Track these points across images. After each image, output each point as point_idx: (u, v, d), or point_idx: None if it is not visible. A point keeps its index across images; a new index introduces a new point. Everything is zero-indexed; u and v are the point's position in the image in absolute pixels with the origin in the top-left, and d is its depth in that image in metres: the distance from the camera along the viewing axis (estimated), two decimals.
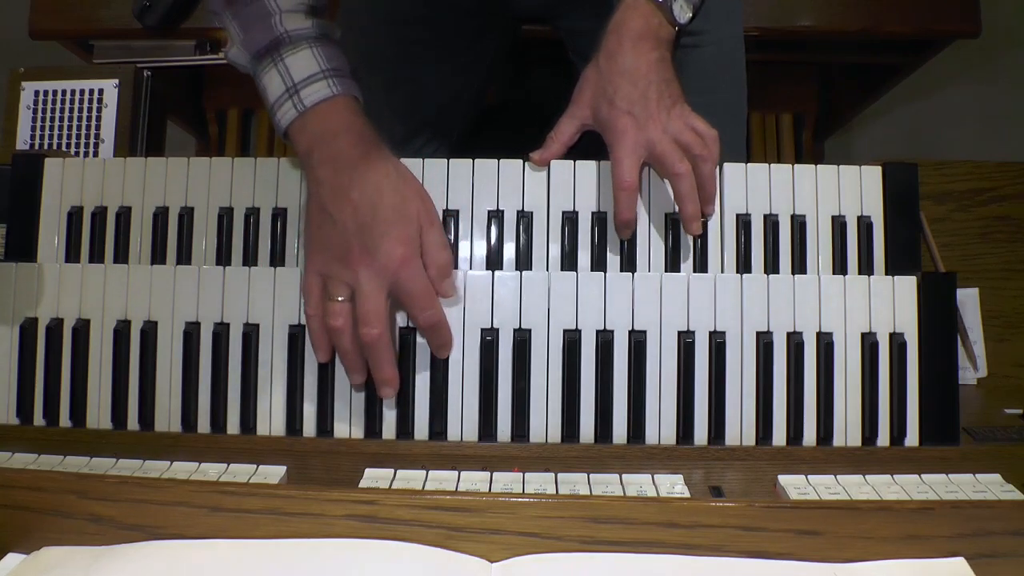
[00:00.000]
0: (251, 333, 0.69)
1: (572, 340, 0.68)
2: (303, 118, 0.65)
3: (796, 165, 0.73)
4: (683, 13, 0.72)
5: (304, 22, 0.67)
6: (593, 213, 0.73)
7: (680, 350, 0.68)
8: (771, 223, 0.72)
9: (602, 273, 0.69)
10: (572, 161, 0.74)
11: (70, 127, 1.08)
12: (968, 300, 0.85)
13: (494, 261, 0.72)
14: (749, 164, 0.73)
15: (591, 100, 0.72)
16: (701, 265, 0.72)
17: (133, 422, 0.69)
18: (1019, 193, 0.87)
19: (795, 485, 0.60)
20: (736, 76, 0.92)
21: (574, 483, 0.60)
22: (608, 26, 0.72)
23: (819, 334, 0.68)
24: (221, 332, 0.69)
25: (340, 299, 0.63)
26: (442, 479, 0.61)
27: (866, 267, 0.72)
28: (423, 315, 0.65)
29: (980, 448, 0.67)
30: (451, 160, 0.73)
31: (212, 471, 0.62)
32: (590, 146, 0.74)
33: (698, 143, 0.70)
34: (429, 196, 0.68)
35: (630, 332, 0.68)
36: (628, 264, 0.72)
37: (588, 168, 0.73)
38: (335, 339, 0.64)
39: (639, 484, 0.60)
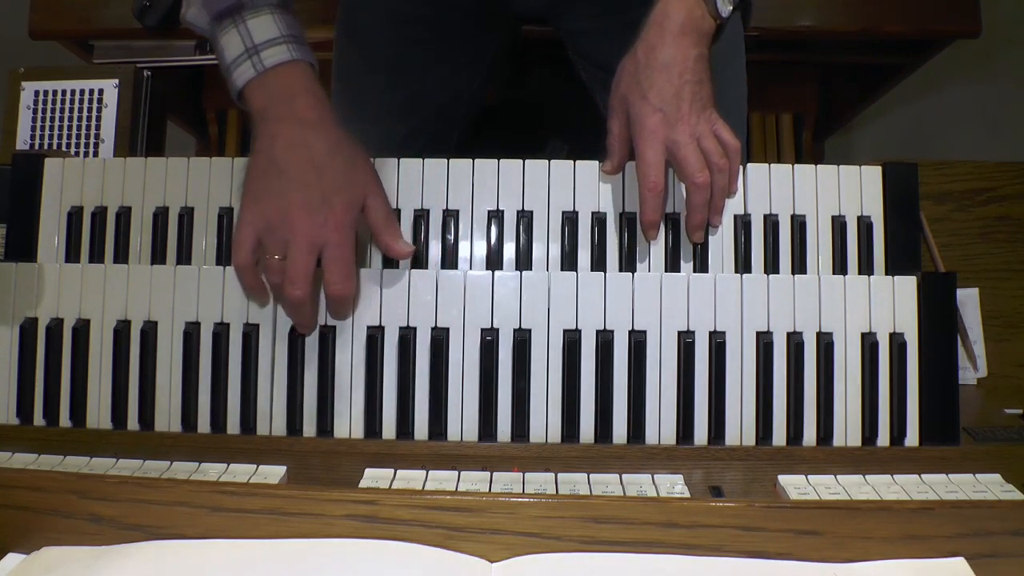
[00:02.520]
0: (251, 333, 0.69)
1: (572, 340, 0.68)
2: (261, 78, 0.67)
3: (796, 165, 0.74)
4: (724, 6, 0.71)
5: None
6: (593, 213, 0.73)
7: (680, 350, 0.68)
8: (771, 223, 0.72)
9: (602, 273, 0.69)
10: (572, 161, 0.73)
11: (70, 127, 1.08)
12: (968, 300, 0.85)
13: (494, 261, 0.72)
14: (749, 164, 0.73)
15: (625, 91, 0.72)
16: (701, 265, 0.72)
17: (133, 422, 0.69)
18: (1019, 193, 0.87)
19: (795, 485, 0.60)
20: (737, 76, 0.92)
21: (574, 483, 0.60)
22: (650, 16, 0.72)
23: (819, 334, 0.68)
24: (221, 332, 0.69)
25: (277, 257, 0.64)
26: (442, 479, 0.61)
27: (866, 267, 0.72)
28: (333, 286, 0.65)
29: (980, 448, 0.67)
30: (451, 160, 0.73)
31: (212, 471, 0.62)
32: (590, 146, 0.74)
33: (718, 152, 0.70)
34: (375, 171, 0.69)
35: (630, 332, 0.68)
36: (628, 264, 0.72)
37: (588, 168, 0.73)
38: (274, 292, 0.67)
39: (639, 484, 0.60)
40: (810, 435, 0.68)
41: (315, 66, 0.70)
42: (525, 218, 0.72)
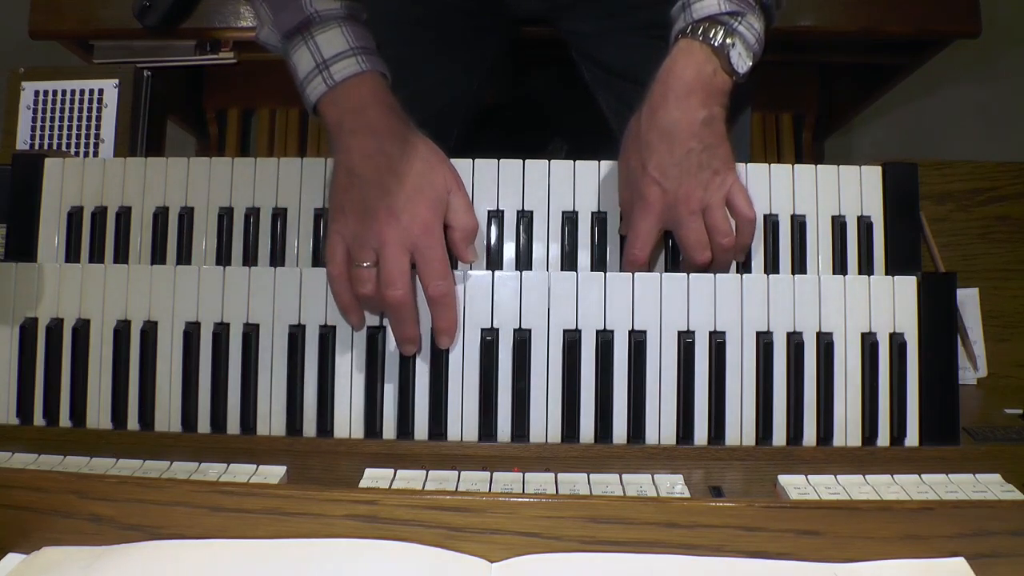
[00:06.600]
0: (251, 333, 0.69)
1: (572, 340, 0.68)
2: (333, 92, 0.67)
3: (796, 165, 0.73)
4: (742, 62, 0.66)
5: (333, 3, 0.68)
6: (593, 213, 0.73)
7: (680, 350, 0.68)
8: (771, 223, 0.72)
9: (602, 273, 0.69)
10: (572, 161, 0.73)
11: (70, 127, 1.08)
12: (968, 300, 0.85)
13: (494, 261, 0.72)
14: (749, 164, 0.73)
15: (629, 158, 0.69)
16: None
17: (133, 422, 0.69)
18: (1019, 193, 0.87)
19: (795, 485, 0.60)
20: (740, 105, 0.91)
21: (574, 483, 0.60)
22: (658, 72, 0.68)
23: (819, 334, 0.68)
24: (221, 332, 0.69)
25: (366, 265, 0.64)
26: (442, 479, 0.61)
27: (866, 267, 0.72)
28: (433, 284, 0.65)
29: (980, 448, 0.67)
30: (451, 160, 0.73)
31: (212, 471, 0.62)
32: (590, 146, 0.74)
33: (724, 231, 0.67)
34: (454, 167, 0.69)
35: (630, 332, 0.68)
36: None
37: (588, 168, 0.73)
38: (364, 304, 0.66)
39: (639, 484, 0.60)
40: (810, 435, 0.68)
41: (387, 75, 0.70)
42: (525, 218, 0.72)
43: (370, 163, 0.65)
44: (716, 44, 0.66)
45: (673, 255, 0.72)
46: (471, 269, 0.71)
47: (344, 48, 0.67)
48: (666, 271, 0.72)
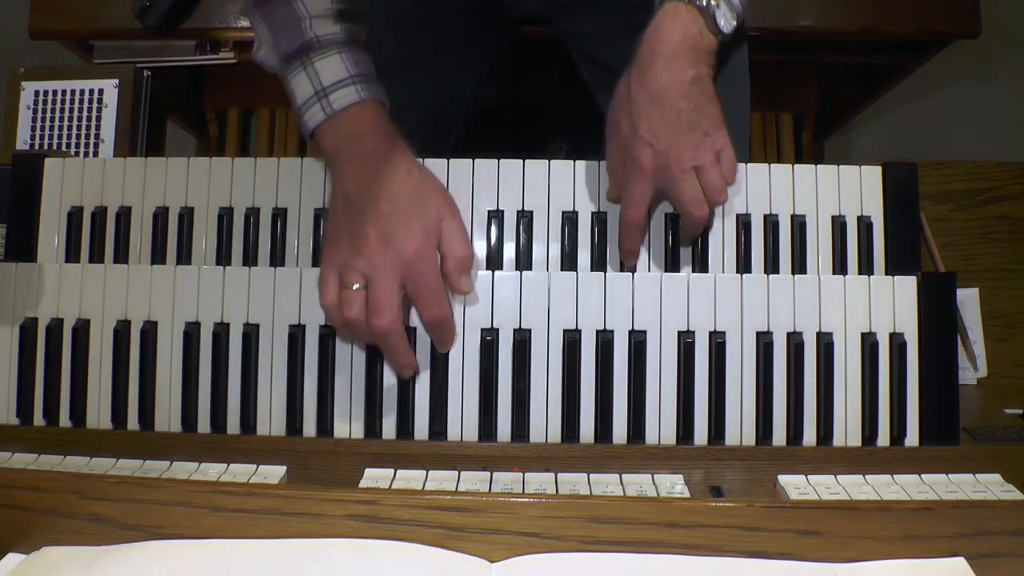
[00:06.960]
0: (251, 333, 0.69)
1: (572, 340, 0.68)
2: (331, 121, 0.66)
3: (796, 165, 0.73)
4: (726, 22, 0.67)
5: (333, 27, 0.67)
6: (593, 213, 0.73)
7: (680, 350, 0.68)
8: (771, 223, 0.72)
9: (602, 273, 0.69)
10: (572, 161, 0.73)
11: (70, 127, 1.08)
12: (968, 300, 0.85)
13: (494, 261, 0.72)
14: (749, 164, 0.73)
15: (618, 119, 0.69)
16: (701, 265, 0.72)
17: (133, 422, 0.69)
18: (1019, 193, 0.87)
19: (795, 485, 0.60)
20: (739, 77, 0.92)
21: (574, 483, 0.60)
22: (644, 34, 0.68)
23: (819, 334, 0.68)
24: (221, 332, 0.69)
25: (355, 287, 0.63)
26: (442, 479, 0.61)
27: (866, 267, 0.72)
28: (428, 311, 0.64)
29: (980, 448, 0.67)
30: (451, 160, 0.73)
31: (212, 471, 0.62)
32: (590, 146, 0.74)
33: (719, 187, 0.67)
34: (450, 194, 0.68)
35: (630, 332, 0.68)
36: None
37: (588, 168, 0.73)
38: (352, 330, 0.64)
39: (639, 484, 0.60)
40: (810, 435, 0.68)
41: (386, 103, 0.69)
42: (525, 218, 0.72)
43: (364, 189, 0.64)
44: (701, 5, 0.66)
45: (673, 255, 0.72)
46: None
47: (343, 76, 0.67)
48: (666, 271, 0.72)
